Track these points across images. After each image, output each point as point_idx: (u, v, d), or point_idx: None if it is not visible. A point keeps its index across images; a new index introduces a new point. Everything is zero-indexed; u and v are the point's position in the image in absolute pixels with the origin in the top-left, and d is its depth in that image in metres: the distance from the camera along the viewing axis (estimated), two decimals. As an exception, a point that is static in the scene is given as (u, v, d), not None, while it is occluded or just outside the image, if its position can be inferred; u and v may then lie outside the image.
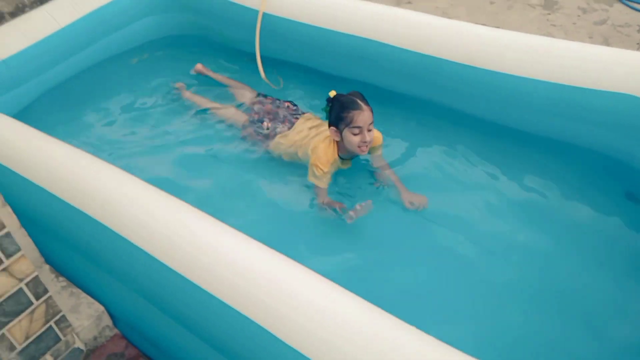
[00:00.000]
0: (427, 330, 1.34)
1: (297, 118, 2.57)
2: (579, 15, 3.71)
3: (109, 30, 3.24)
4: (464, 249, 2.13)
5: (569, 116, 2.31)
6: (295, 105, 2.67)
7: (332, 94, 2.28)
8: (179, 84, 3.05)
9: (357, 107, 2.17)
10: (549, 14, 3.75)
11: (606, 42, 3.44)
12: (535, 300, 1.96)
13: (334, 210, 2.22)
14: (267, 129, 2.55)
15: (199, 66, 3.15)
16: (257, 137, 2.59)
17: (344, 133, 2.22)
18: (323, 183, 2.29)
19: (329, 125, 2.28)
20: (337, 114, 2.22)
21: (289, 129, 2.52)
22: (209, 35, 3.37)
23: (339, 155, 2.32)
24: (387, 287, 2.01)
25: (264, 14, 2.94)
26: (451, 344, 1.31)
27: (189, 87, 3.04)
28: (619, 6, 3.76)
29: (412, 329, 1.34)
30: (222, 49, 3.32)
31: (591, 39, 3.48)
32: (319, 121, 2.56)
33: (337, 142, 2.31)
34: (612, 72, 2.19)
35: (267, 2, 2.92)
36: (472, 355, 1.27)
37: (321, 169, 2.26)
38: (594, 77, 2.21)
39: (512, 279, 2.02)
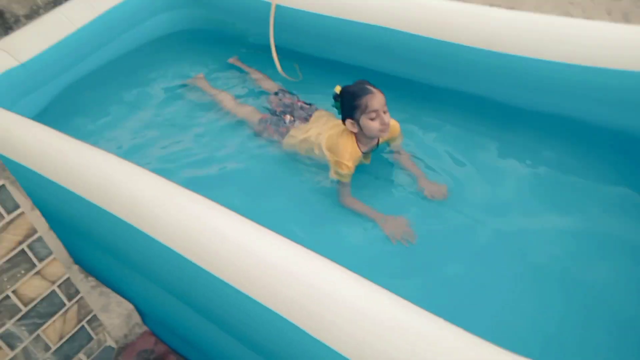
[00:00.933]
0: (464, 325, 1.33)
1: (310, 115, 2.56)
2: (596, -8, 3.63)
3: (124, 28, 3.26)
4: (488, 237, 2.12)
5: (595, 98, 2.27)
6: (309, 104, 2.65)
7: (338, 89, 2.26)
8: (198, 76, 3.07)
9: (368, 92, 2.16)
10: (566, -9, 3.68)
11: (626, 17, 3.36)
12: (564, 286, 1.93)
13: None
14: (290, 122, 2.53)
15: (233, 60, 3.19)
16: (272, 133, 2.57)
17: (361, 122, 2.19)
18: (347, 179, 2.26)
19: (344, 120, 2.25)
20: (350, 104, 2.19)
21: (303, 123, 2.52)
22: (223, 30, 3.37)
23: (359, 149, 2.29)
24: (415, 282, 2.00)
25: (277, 6, 2.93)
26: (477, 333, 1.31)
27: (208, 79, 3.07)
28: (638, -20, 3.67)
29: (449, 324, 1.33)
30: (237, 42, 3.32)
31: (610, 15, 3.40)
32: (332, 117, 2.55)
33: (355, 135, 2.28)
34: (634, 51, 2.15)
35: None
36: (502, 345, 1.27)
37: (346, 165, 2.22)
38: (617, 57, 2.16)
39: (539, 265, 2.00)
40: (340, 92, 2.25)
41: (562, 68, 2.25)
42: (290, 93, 2.76)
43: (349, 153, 2.24)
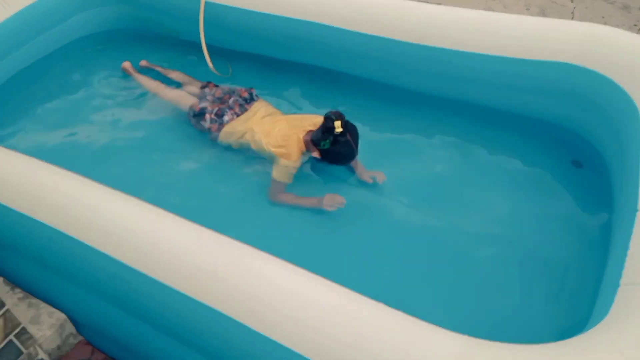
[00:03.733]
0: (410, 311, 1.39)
1: (250, 104, 2.55)
2: (515, -12, 3.80)
3: (42, 28, 3.10)
4: (426, 227, 2.20)
5: (514, 88, 2.39)
6: (250, 90, 2.61)
7: (338, 126, 2.09)
8: (124, 64, 3.00)
9: (351, 159, 2.23)
10: (487, -13, 3.84)
11: (543, 12, 3.55)
12: (501, 265, 2.05)
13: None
14: (211, 121, 2.50)
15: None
16: (205, 124, 2.53)
17: (323, 159, 2.23)
18: (291, 178, 2.28)
19: (314, 143, 2.20)
20: (332, 155, 2.19)
21: (239, 115, 2.49)
22: (151, 28, 3.27)
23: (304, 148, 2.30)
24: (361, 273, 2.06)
25: (207, 3, 2.88)
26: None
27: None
28: (552, -23, 3.88)
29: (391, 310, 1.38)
30: (166, 41, 3.24)
31: (528, 10, 3.58)
32: (271, 109, 2.55)
33: (304, 139, 2.27)
34: (550, 42, 2.26)
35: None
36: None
37: (294, 166, 2.25)
38: (534, 47, 2.27)
39: (473, 248, 2.11)
40: (336, 137, 2.12)
41: (489, 60, 2.35)
42: (220, 86, 2.72)
43: (296, 154, 2.26)
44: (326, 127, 2.13)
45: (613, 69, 2.09)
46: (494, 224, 2.18)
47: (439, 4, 2.62)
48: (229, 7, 2.82)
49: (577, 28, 2.27)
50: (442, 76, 2.51)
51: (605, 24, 3.30)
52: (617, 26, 2.90)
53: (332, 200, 2.23)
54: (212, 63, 2.91)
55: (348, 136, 2.13)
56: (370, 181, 2.34)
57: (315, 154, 2.23)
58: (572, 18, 3.46)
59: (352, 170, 2.41)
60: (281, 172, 2.26)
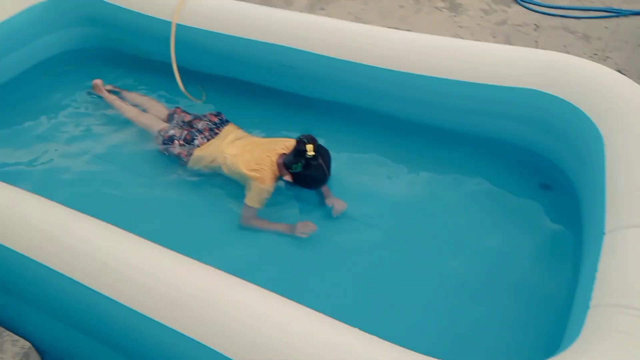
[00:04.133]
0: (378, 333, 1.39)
1: (220, 129, 2.54)
2: (481, 17, 3.92)
3: (8, 48, 3.05)
4: (393, 248, 2.22)
5: (482, 112, 2.44)
6: (219, 114, 2.62)
7: (310, 149, 2.12)
8: (95, 81, 2.96)
9: (323, 183, 2.24)
10: (455, 16, 3.95)
11: (508, 40, 3.67)
12: (470, 289, 2.06)
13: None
14: (180, 147, 2.48)
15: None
16: (174, 150, 2.50)
17: (295, 183, 2.24)
18: (263, 203, 2.27)
19: (286, 166, 2.21)
20: (304, 179, 2.20)
21: (209, 140, 2.48)
22: (121, 48, 3.25)
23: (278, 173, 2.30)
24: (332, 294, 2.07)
25: (178, 25, 2.88)
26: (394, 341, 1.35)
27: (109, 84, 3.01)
28: (516, 7, 4.01)
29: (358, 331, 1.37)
30: (137, 62, 3.23)
31: (495, 38, 3.69)
32: (241, 132, 2.54)
33: (277, 162, 2.27)
34: (515, 69, 2.34)
35: (179, 14, 2.86)
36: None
37: (268, 190, 2.25)
38: (500, 73, 2.34)
39: (441, 270, 2.13)
40: (307, 162, 2.14)
41: (457, 85, 2.40)
42: (188, 112, 2.71)
43: (270, 178, 2.25)
44: (298, 150, 2.13)
45: (576, 95, 2.16)
46: (462, 248, 2.20)
47: (408, 30, 2.68)
48: (201, 30, 2.83)
49: (542, 55, 2.35)
50: (411, 100, 2.56)
51: (567, 52, 3.44)
52: (578, 55, 3.03)
53: (304, 228, 2.23)
54: (185, 87, 2.90)
55: (320, 160, 2.14)
56: (335, 214, 2.32)
57: (287, 178, 2.23)
58: (537, 46, 3.59)
59: (322, 195, 2.41)
60: (254, 197, 2.25)
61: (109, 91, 2.98)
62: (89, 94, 2.97)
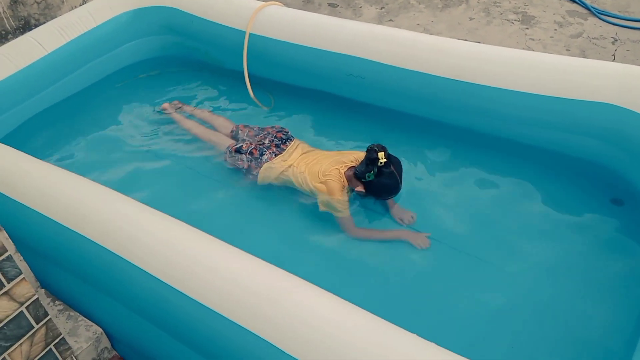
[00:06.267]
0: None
1: (286, 144, 2.54)
2: (555, 29, 3.82)
3: (95, 54, 3.26)
4: (462, 261, 2.19)
5: (554, 126, 2.38)
6: (283, 130, 2.63)
7: (382, 157, 2.14)
8: (164, 105, 3.05)
9: (396, 192, 2.23)
10: (527, 28, 3.86)
11: (583, 54, 3.55)
12: (540, 311, 2.01)
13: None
14: (248, 160, 2.50)
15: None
16: (242, 165, 2.54)
17: (367, 193, 2.25)
18: (345, 212, 2.27)
19: (357, 177, 2.23)
20: (377, 188, 2.20)
21: (277, 155, 2.48)
22: (195, 56, 3.40)
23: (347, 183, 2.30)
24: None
25: (251, 35, 2.98)
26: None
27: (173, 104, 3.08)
28: (593, 19, 3.88)
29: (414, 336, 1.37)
30: (209, 69, 3.36)
31: (568, 51, 3.58)
32: (307, 147, 2.56)
33: (346, 174, 2.29)
34: (591, 83, 2.27)
35: (253, 23, 2.96)
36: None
37: (339, 200, 2.24)
38: (575, 87, 2.28)
39: (507, 288, 2.08)
40: (380, 169, 2.16)
41: (529, 98, 2.36)
42: (250, 127, 2.76)
43: (339, 190, 2.25)
44: (370, 159, 2.15)
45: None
46: (534, 264, 2.14)
47: (478, 42, 2.65)
48: (273, 39, 2.92)
49: (616, 68, 2.27)
50: (481, 112, 2.52)
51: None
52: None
53: (423, 241, 2.23)
54: (254, 93, 2.99)
55: (392, 167, 2.14)
56: (401, 223, 2.33)
57: (359, 189, 2.24)
58: (614, 60, 3.45)
59: (387, 206, 2.40)
60: (333, 208, 2.26)
61: (177, 108, 3.06)
62: (159, 112, 3.06)
